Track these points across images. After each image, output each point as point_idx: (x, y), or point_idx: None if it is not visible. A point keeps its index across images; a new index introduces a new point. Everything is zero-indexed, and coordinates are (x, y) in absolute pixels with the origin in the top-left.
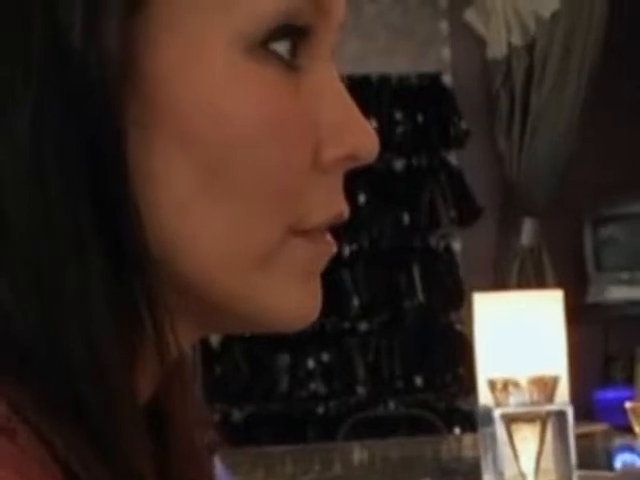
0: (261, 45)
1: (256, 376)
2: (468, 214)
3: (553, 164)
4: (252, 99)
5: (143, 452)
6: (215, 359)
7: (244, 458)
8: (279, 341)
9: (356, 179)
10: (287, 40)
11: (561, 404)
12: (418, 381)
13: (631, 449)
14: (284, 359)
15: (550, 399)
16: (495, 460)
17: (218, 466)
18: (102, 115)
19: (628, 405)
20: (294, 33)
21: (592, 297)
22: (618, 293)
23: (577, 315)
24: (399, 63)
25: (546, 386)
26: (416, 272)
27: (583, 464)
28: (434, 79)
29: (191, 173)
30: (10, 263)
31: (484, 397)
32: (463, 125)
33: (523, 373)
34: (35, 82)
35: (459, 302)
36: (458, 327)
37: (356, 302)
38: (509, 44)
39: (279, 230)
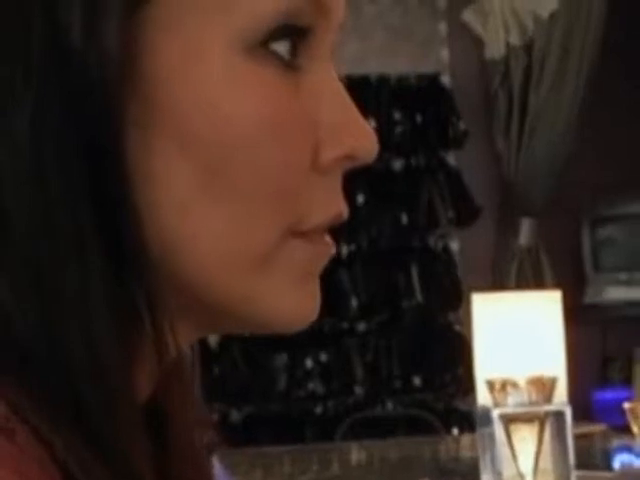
0: (261, 45)
1: (254, 376)
2: (466, 214)
3: (551, 164)
4: (252, 99)
5: (142, 452)
6: (213, 359)
7: (242, 458)
8: (277, 341)
9: (354, 179)
10: (287, 40)
11: (559, 404)
12: (416, 381)
13: (629, 449)
14: (282, 359)
15: (548, 399)
16: (493, 460)
17: (217, 466)
18: (102, 115)
19: (626, 405)
20: (294, 33)
21: (590, 297)
22: (616, 293)
23: (575, 315)
24: (398, 63)
25: (544, 386)
26: (414, 272)
27: (581, 464)
28: (433, 79)
29: (191, 173)
30: (10, 263)
31: (482, 397)
32: (461, 125)
33: (521, 373)
34: (35, 82)
35: (457, 302)
36: (456, 327)
37: (354, 302)
38: (507, 44)
39: (278, 230)
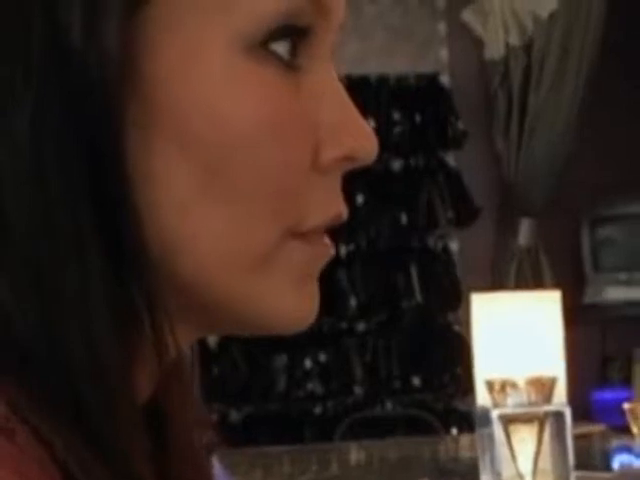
0: (261, 45)
1: (254, 376)
2: (466, 214)
3: (551, 164)
4: (251, 99)
5: (142, 452)
6: (213, 359)
7: (242, 458)
8: (276, 341)
9: (354, 179)
10: (287, 40)
11: (559, 405)
12: (416, 381)
13: (629, 450)
14: (282, 359)
15: (548, 400)
16: (493, 461)
17: (216, 466)
18: (102, 115)
19: (626, 406)
20: (294, 33)
21: (590, 297)
22: (616, 294)
23: (575, 316)
24: (397, 63)
25: (544, 387)
26: (414, 272)
27: (581, 465)
28: (432, 79)
29: (191, 173)
30: (10, 263)
31: (482, 398)
32: (461, 125)
33: (521, 374)
34: (35, 82)
35: (457, 302)
36: (456, 327)
37: (353, 302)
38: (507, 44)
39: (278, 231)
